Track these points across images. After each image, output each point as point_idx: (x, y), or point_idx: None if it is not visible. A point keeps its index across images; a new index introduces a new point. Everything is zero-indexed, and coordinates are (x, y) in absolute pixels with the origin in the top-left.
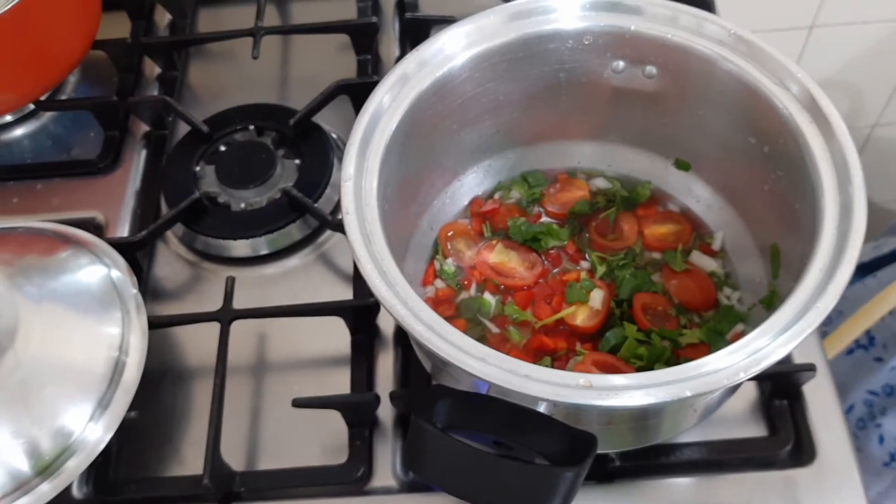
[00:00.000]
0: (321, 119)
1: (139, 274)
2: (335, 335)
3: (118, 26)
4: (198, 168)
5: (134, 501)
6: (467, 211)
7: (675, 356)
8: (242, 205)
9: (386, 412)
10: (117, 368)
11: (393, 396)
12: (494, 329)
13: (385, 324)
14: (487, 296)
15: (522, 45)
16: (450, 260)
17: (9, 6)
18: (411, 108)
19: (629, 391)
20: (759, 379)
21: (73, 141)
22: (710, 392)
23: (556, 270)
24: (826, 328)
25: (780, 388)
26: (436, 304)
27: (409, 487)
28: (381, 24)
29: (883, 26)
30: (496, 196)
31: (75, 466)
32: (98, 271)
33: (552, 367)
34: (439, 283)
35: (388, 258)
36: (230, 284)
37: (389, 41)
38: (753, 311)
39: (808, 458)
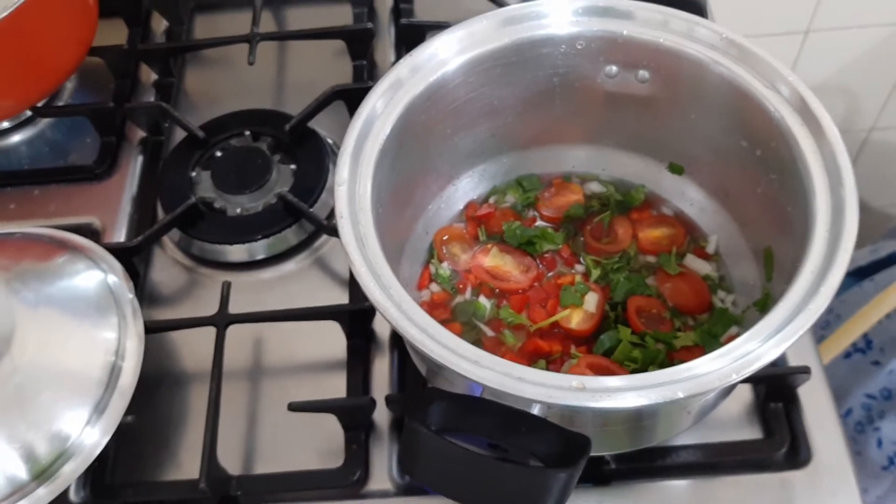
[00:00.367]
0: (317, 124)
1: (136, 279)
2: (331, 340)
3: (115, 33)
4: (194, 173)
5: None
6: (462, 215)
7: (670, 359)
8: (238, 210)
9: (382, 416)
10: (114, 373)
11: (389, 400)
12: (490, 332)
13: (381, 328)
14: (482, 299)
15: (515, 50)
16: (445, 264)
17: (6, 13)
18: (405, 113)
19: (622, 393)
20: (754, 381)
21: (69, 147)
22: (703, 393)
23: (550, 274)
24: (823, 332)
25: (776, 390)
26: (431, 307)
27: (405, 491)
28: (376, 30)
29: (878, 30)
30: (491, 200)
31: (72, 471)
32: (94, 276)
33: (547, 370)
34: (434, 287)
35: (383, 262)
36: (226, 289)
37: (385, 47)
38: (747, 314)
39: (804, 461)
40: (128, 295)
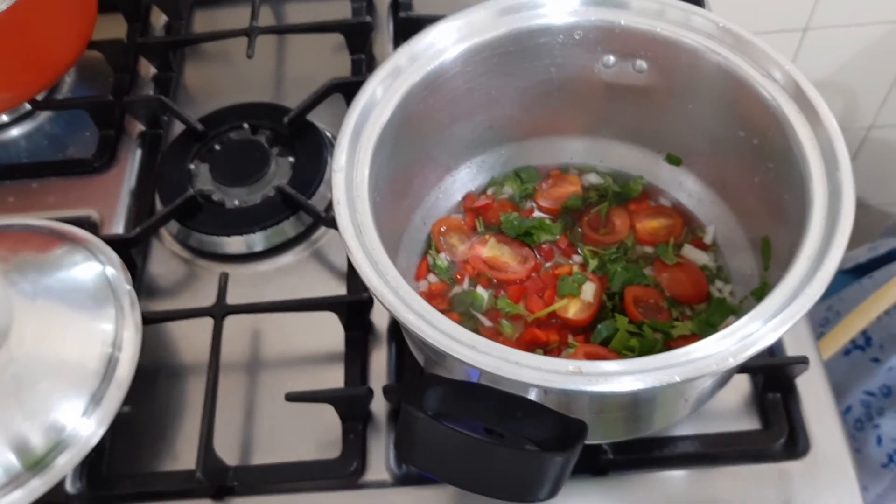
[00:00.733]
0: (315, 117)
1: (133, 271)
2: (329, 331)
3: (114, 27)
4: (192, 166)
5: (127, 496)
6: (460, 206)
7: (667, 348)
8: (237, 202)
9: (379, 406)
10: (111, 364)
11: (386, 390)
12: (487, 323)
13: (379, 319)
14: (480, 290)
15: (513, 39)
16: (443, 255)
17: (5, 5)
18: (403, 101)
19: (618, 377)
20: (753, 372)
21: (68, 140)
22: (700, 377)
23: (548, 264)
24: (822, 329)
25: (774, 380)
26: (429, 298)
27: (402, 481)
28: (375, 23)
29: (877, 28)
30: (489, 191)
31: (67, 461)
32: (92, 268)
33: None
34: (432, 278)
35: (380, 248)
36: (224, 280)
37: (384, 41)
38: (745, 304)
39: (802, 451)
40: (125, 286)
